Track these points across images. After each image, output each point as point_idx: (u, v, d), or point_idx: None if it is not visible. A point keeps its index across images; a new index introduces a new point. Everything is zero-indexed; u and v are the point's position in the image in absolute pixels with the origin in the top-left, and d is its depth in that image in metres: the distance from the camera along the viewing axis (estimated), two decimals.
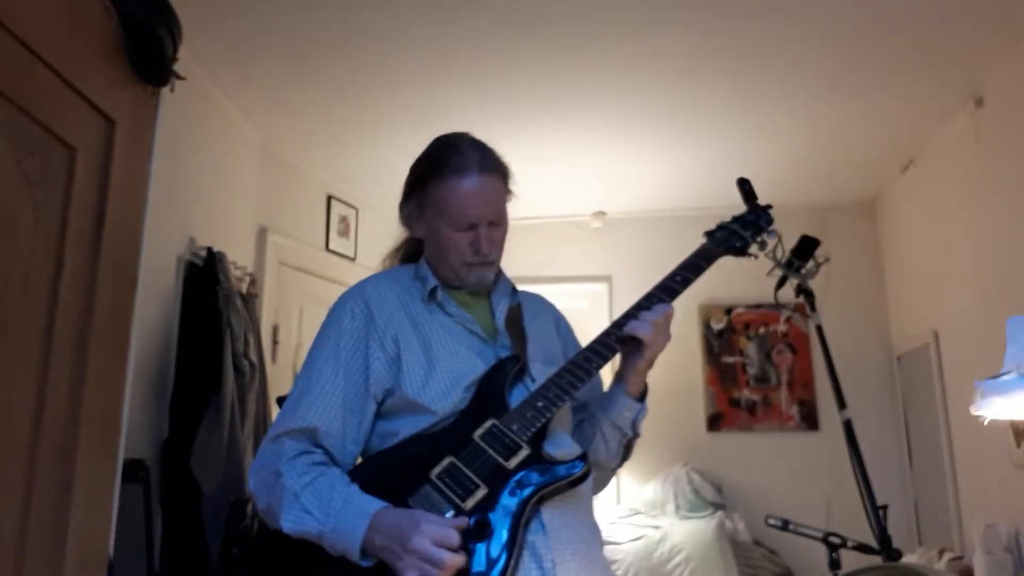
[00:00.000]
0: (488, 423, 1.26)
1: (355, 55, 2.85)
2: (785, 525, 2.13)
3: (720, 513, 3.90)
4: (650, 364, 1.36)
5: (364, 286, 1.39)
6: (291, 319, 3.68)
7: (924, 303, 3.79)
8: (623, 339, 1.33)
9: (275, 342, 3.53)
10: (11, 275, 1.12)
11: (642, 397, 1.40)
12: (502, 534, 1.18)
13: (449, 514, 1.19)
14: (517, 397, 1.31)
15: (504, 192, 1.41)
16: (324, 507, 1.19)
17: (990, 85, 3.00)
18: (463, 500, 1.20)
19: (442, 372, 1.29)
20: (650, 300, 1.39)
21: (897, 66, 2.91)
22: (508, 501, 1.20)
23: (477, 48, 2.82)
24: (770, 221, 1.55)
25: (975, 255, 3.20)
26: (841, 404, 2.04)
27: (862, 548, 1.99)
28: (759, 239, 1.54)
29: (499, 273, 1.47)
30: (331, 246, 3.99)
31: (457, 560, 1.13)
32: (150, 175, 1.52)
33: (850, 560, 2.02)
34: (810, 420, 4.27)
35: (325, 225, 3.99)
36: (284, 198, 3.74)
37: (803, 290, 2.19)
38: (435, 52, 2.83)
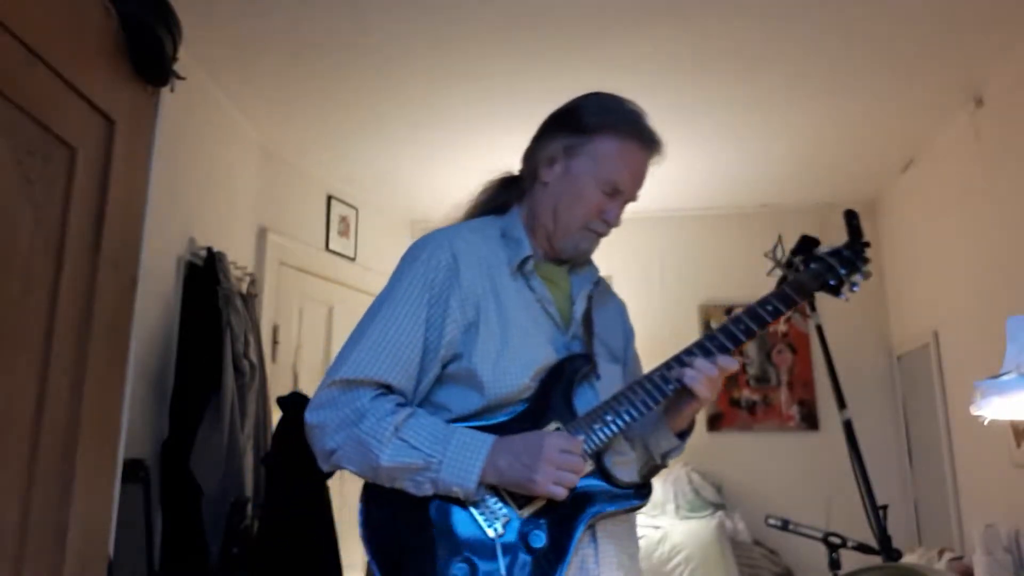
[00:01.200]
0: (552, 426, 1.22)
1: (356, 55, 2.85)
2: (785, 525, 2.13)
3: (720, 513, 3.90)
4: (696, 413, 1.35)
5: (453, 237, 1.31)
6: (291, 319, 3.68)
7: (924, 303, 3.79)
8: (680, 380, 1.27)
9: (275, 342, 3.53)
10: (11, 275, 1.12)
11: (684, 434, 1.38)
12: (556, 546, 1.15)
13: (502, 516, 1.17)
14: (582, 397, 1.27)
15: None
16: (430, 441, 1.16)
17: (990, 85, 3.00)
18: (520, 507, 1.17)
19: (514, 352, 1.24)
20: (735, 332, 1.30)
21: (897, 66, 2.91)
22: (565, 514, 1.17)
23: (477, 48, 2.81)
24: (866, 261, 1.44)
25: (975, 255, 3.19)
26: (841, 404, 2.04)
27: (862, 548, 1.99)
28: (852, 280, 1.42)
29: (589, 261, 1.43)
30: (331, 246, 3.99)
31: (585, 466, 1.17)
32: (150, 175, 1.52)
33: (850, 560, 2.02)
34: (810, 420, 4.27)
35: (325, 225, 3.99)
36: (284, 198, 3.74)
37: None
38: (435, 52, 2.83)
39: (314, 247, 3.90)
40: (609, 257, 4.94)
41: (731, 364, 1.26)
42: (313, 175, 3.92)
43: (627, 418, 1.22)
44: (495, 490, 1.18)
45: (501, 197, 1.44)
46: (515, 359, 1.23)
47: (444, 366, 1.25)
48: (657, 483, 4.12)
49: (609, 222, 1.35)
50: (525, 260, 1.32)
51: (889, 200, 4.18)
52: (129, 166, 1.42)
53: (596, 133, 1.32)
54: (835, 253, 1.44)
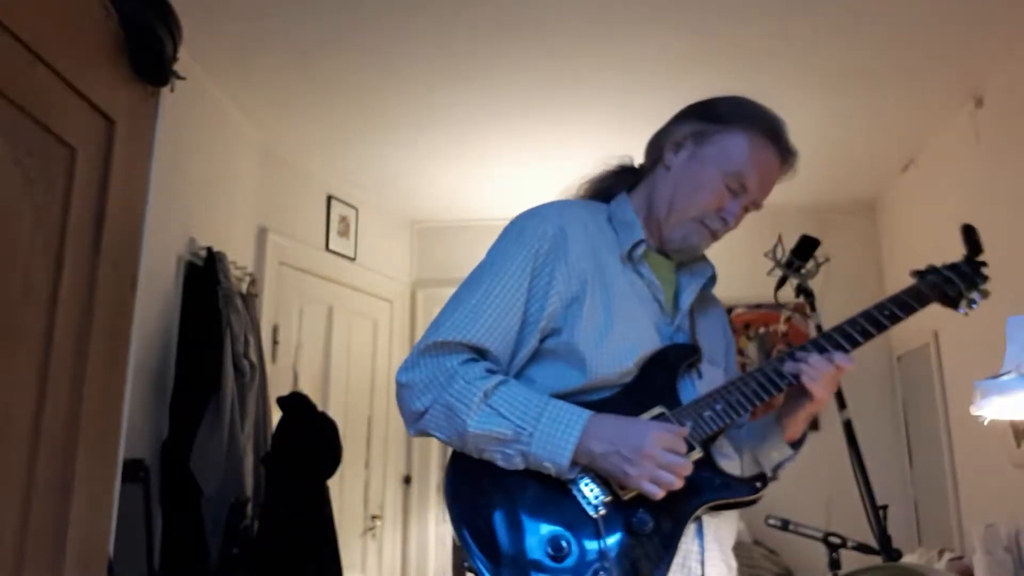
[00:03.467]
0: (656, 410, 1.16)
1: (356, 55, 2.85)
2: (785, 525, 2.13)
3: None
4: (809, 418, 1.27)
5: (563, 210, 1.26)
6: (291, 319, 3.67)
7: None
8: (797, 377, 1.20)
9: (275, 342, 3.53)
10: (11, 275, 1.12)
11: (797, 444, 1.31)
12: (663, 531, 1.09)
13: (599, 500, 1.09)
14: (684, 388, 1.21)
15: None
16: (521, 411, 1.09)
17: (990, 85, 3.00)
18: (622, 488, 1.10)
19: (619, 334, 1.18)
20: (851, 333, 1.25)
21: (897, 66, 2.90)
22: (673, 502, 1.09)
23: (477, 48, 2.81)
24: (985, 279, 1.42)
25: None
26: (841, 404, 2.04)
27: (862, 548, 1.99)
28: (970, 296, 1.40)
29: (703, 257, 1.37)
30: (331, 246, 3.99)
31: (689, 467, 1.07)
32: (150, 175, 1.52)
33: (850, 560, 2.02)
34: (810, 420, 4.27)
35: (325, 225, 3.99)
36: (284, 198, 3.74)
37: (803, 290, 2.19)
38: (435, 52, 2.83)
39: (314, 247, 3.90)
40: None
41: (847, 362, 1.20)
42: (313, 175, 3.92)
43: (740, 410, 1.17)
44: (589, 470, 1.11)
45: (610, 182, 1.39)
46: (620, 341, 1.18)
47: (542, 340, 1.20)
48: None
49: (727, 221, 1.27)
50: (637, 244, 1.26)
51: (889, 200, 4.18)
52: (129, 166, 1.42)
53: (731, 124, 1.27)
54: (953, 267, 1.41)
